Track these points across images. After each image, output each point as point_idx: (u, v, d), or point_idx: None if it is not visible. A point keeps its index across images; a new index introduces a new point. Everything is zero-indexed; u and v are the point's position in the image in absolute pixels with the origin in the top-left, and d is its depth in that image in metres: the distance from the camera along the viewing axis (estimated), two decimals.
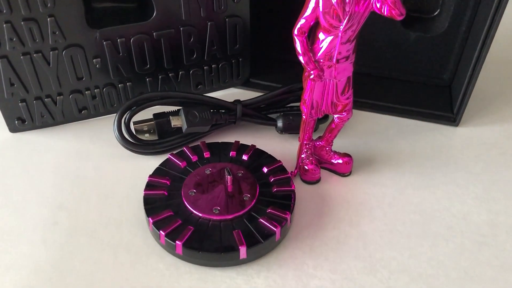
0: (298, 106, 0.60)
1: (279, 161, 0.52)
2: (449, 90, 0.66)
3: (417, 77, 0.67)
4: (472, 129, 0.62)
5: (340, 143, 0.57)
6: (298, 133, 0.53)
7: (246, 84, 0.67)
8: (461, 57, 0.63)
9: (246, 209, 0.46)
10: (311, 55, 0.46)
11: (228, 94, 0.66)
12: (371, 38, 0.65)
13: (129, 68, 0.58)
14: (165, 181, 0.49)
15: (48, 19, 0.51)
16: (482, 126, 0.63)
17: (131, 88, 0.60)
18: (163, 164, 0.51)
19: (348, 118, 0.51)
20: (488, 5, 0.54)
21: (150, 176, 0.50)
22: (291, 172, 0.53)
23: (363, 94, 0.63)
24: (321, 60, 0.46)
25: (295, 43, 0.46)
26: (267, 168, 0.51)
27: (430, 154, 0.58)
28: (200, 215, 0.45)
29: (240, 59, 0.64)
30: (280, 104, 0.61)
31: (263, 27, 0.68)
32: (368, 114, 0.64)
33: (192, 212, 0.45)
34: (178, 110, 0.57)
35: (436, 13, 0.63)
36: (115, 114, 0.54)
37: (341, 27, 0.44)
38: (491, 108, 0.66)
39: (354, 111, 0.52)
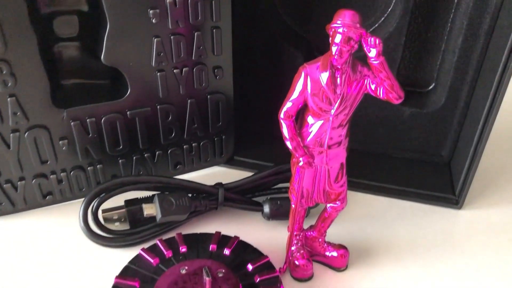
0: (287, 188, 0.55)
1: (266, 257, 0.46)
2: (448, 168, 0.61)
3: (413, 154, 0.63)
4: (476, 212, 0.57)
5: (333, 231, 0.51)
6: (287, 219, 0.47)
7: (229, 163, 0.62)
8: (460, 134, 0.59)
9: None
10: (300, 140, 0.41)
11: (210, 174, 0.61)
12: (362, 112, 0.61)
13: (100, 150, 0.53)
14: (134, 284, 0.42)
15: (9, 99, 0.46)
16: (487, 208, 0.57)
17: (102, 170, 0.54)
18: (132, 261, 0.45)
19: (343, 208, 0.45)
20: (488, 82, 0.50)
21: (117, 277, 0.43)
22: (280, 268, 0.47)
23: (357, 173, 0.58)
24: (311, 146, 0.41)
25: (281, 127, 0.41)
26: (252, 266, 0.45)
27: (433, 241, 0.52)
28: None
29: (223, 137, 0.59)
30: (267, 186, 0.55)
31: (248, 99, 0.64)
32: (363, 196, 0.58)
33: None
34: (153, 195, 0.51)
35: (431, 87, 0.59)
36: (84, 198, 0.48)
37: (332, 111, 0.39)
38: (496, 187, 0.61)
39: (348, 192, 0.46)
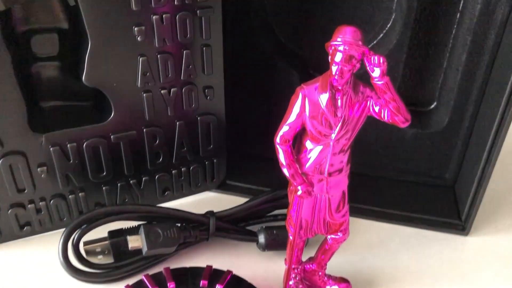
0: (284, 215, 0.51)
1: None
2: (452, 192, 0.58)
3: (415, 177, 0.59)
4: (485, 239, 0.53)
5: (333, 262, 0.47)
6: (284, 250, 0.44)
7: (221, 187, 0.58)
8: (464, 155, 0.56)
9: None
10: (298, 166, 0.38)
11: (201, 200, 0.57)
12: (361, 132, 0.58)
13: (82, 176, 0.49)
14: None
15: None
16: (496, 234, 0.54)
17: (84, 198, 0.51)
18: None
19: (345, 239, 0.42)
20: (494, 101, 0.48)
21: None
22: None
23: (357, 198, 0.53)
24: (310, 173, 0.38)
25: (278, 152, 0.38)
26: None
27: (439, 271, 0.49)
28: None
29: (215, 160, 0.56)
30: (262, 213, 0.52)
31: (241, 120, 0.60)
32: (364, 223, 0.55)
33: None
34: (139, 225, 0.47)
35: (433, 106, 0.56)
36: (63, 230, 0.45)
37: (333, 136, 0.36)
38: (505, 211, 0.58)
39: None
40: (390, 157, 0.59)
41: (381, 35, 0.53)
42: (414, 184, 0.59)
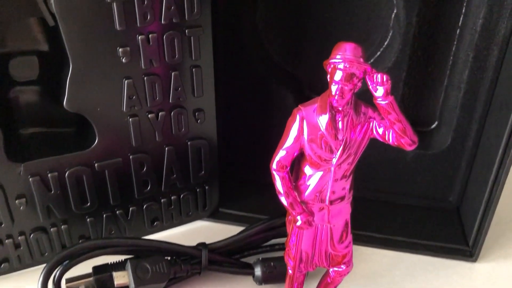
0: (282, 245, 0.48)
1: None
2: (457, 215, 0.55)
3: (418, 200, 0.57)
4: (494, 265, 0.51)
5: None
6: (283, 283, 0.41)
7: (214, 216, 0.55)
8: (469, 177, 0.53)
9: None
10: (296, 194, 0.35)
11: (193, 230, 0.54)
12: (361, 155, 0.55)
13: (64, 208, 0.46)
14: None
15: None
16: (507, 260, 0.51)
17: (67, 231, 0.47)
18: None
19: (348, 272, 0.39)
20: (500, 119, 0.45)
21: None
22: None
23: (357, 224, 0.50)
24: (310, 202, 0.35)
25: (274, 179, 0.35)
26: None
27: None
28: None
29: (207, 187, 0.53)
30: (258, 243, 0.48)
31: (234, 144, 0.58)
32: (366, 250, 0.52)
33: None
34: (125, 260, 0.44)
35: (435, 125, 0.54)
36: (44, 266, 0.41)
37: (334, 160, 0.33)
38: None
39: None
40: (391, 180, 0.57)
41: (379, 53, 0.51)
42: (417, 208, 0.57)
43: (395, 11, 0.49)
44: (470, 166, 0.53)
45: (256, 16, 0.51)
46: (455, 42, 0.49)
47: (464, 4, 0.47)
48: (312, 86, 0.54)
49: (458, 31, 0.49)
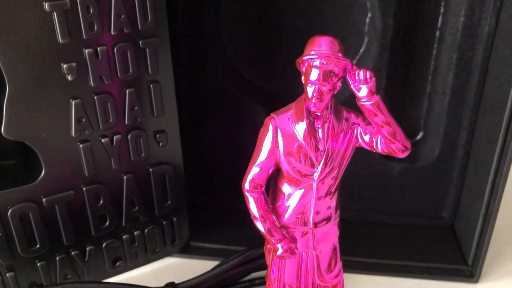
0: (262, 279, 0.43)
1: None
2: (452, 232, 0.51)
3: (409, 218, 0.53)
4: (499, 285, 0.46)
5: None
6: None
7: (185, 251, 0.50)
8: (462, 189, 0.49)
9: None
10: (275, 218, 0.30)
11: (161, 268, 0.48)
12: (344, 172, 0.51)
13: (9, 252, 0.40)
14: None
15: None
16: (510, 277, 0.47)
17: (14, 279, 0.42)
18: None
19: None
20: (491, 123, 0.42)
21: None
22: None
23: (345, 249, 0.46)
24: (291, 226, 0.30)
25: (248, 202, 0.30)
26: None
27: None
28: None
29: (174, 219, 0.47)
30: (235, 279, 0.43)
31: (203, 168, 0.54)
32: (357, 278, 0.47)
33: None
34: None
35: (420, 136, 0.50)
36: None
37: (316, 175, 0.29)
38: None
39: None
40: (376, 198, 0.53)
41: (355, 61, 0.48)
42: (408, 227, 0.52)
43: (369, 15, 0.46)
44: (462, 178, 0.49)
45: (220, 27, 0.47)
46: (435, 45, 0.46)
47: (442, 3, 0.44)
48: (286, 100, 0.50)
49: (438, 32, 0.45)
